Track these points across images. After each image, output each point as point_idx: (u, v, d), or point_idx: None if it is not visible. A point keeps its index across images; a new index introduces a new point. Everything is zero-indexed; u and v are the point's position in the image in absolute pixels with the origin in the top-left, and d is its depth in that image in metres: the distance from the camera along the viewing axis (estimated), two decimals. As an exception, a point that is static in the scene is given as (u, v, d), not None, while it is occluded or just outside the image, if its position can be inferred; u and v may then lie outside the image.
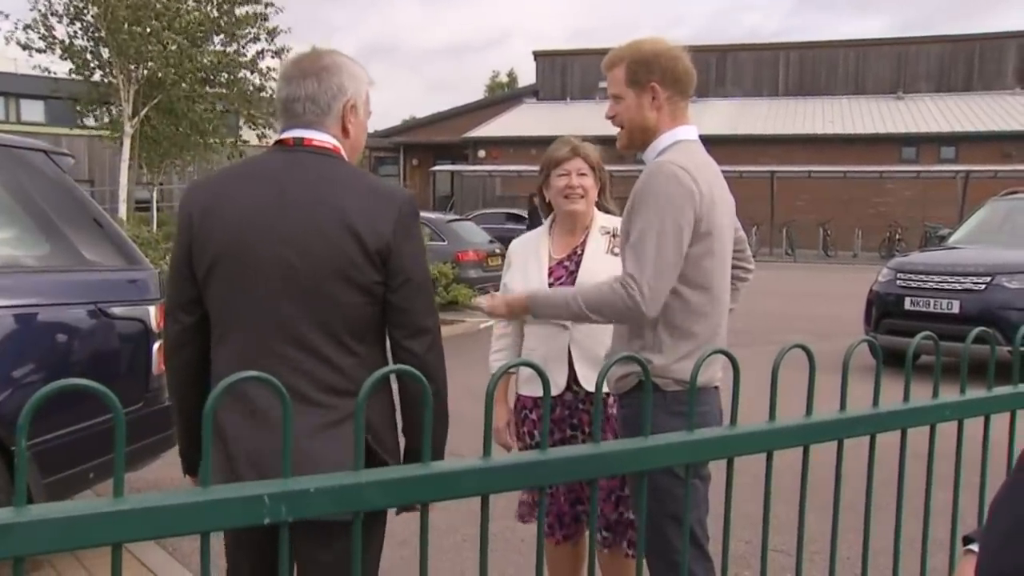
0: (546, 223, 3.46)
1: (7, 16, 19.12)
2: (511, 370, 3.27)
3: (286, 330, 2.13)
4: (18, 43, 19.22)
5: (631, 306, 2.44)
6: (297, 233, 2.11)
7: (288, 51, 19.90)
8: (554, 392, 3.20)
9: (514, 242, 3.53)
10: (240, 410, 2.14)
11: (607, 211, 3.40)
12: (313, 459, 2.03)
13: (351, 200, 2.14)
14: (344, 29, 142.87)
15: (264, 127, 20.39)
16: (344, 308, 2.13)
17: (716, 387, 2.70)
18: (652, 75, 2.64)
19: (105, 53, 19.18)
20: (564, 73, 43.31)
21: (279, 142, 2.27)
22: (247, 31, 19.65)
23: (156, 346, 4.34)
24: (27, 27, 19.14)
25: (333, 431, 2.12)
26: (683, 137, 2.67)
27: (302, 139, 2.23)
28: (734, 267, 2.85)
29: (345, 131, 2.28)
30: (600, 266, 3.18)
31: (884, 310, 10.12)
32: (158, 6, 18.16)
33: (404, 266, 2.15)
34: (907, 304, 9.88)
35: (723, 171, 2.75)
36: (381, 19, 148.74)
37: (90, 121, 21.65)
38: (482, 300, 2.86)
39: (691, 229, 2.51)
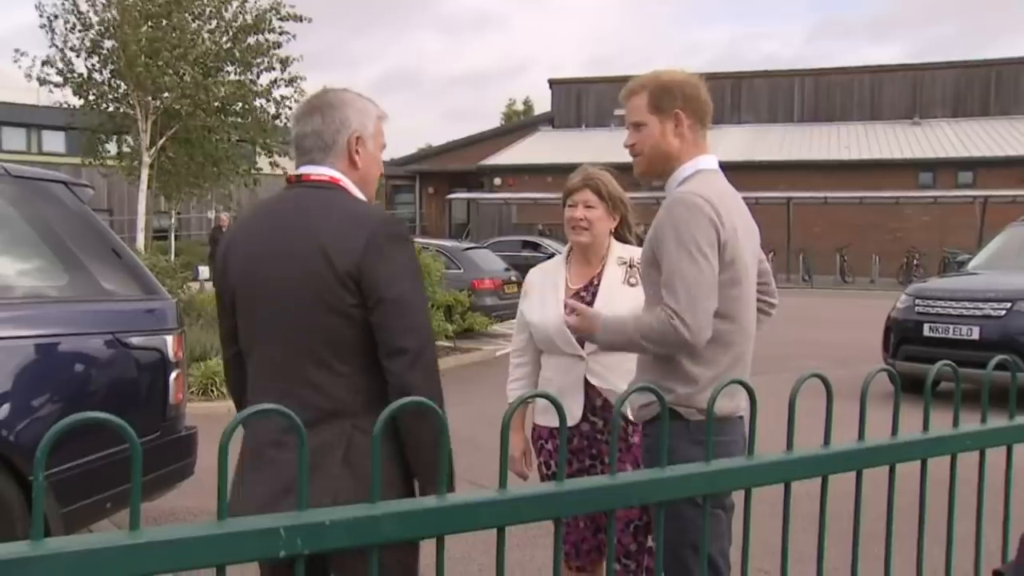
0: (563, 252, 3.47)
1: (25, 54, 19.30)
2: (528, 400, 3.27)
3: (279, 358, 2.26)
4: (37, 79, 19.42)
5: (678, 339, 2.46)
6: (280, 266, 2.24)
7: (302, 80, 20.03)
8: (570, 423, 3.20)
9: (532, 271, 3.54)
10: (247, 453, 2.30)
11: (626, 241, 3.40)
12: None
13: (326, 225, 2.21)
14: (366, 60, 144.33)
15: (279, 155, 20.48)
16: (325, 331, 2.20)
17: (741, 417, 2.70)
18: (676, 102, 2.66)
19: (122, 86, 19.37)
20: (579, 101, 43.50)
21: (290, 178, 2.38)
22: (260, 60, 19.77)
23: (173, 375, 4.36)
24: (44, 63, 19.34)
25: (321, 461, 2.14)
26: (704, 167, 2.69)
27: (301, 176, 2.34)
28: (758, 300, 2.83)
29: (354, 163, 2.35)
30: (617, 296, 3.18)
31: (903, 336, 10.05)
32: (173, 37, 18.33)
33: (377, 286, 2.18)
34: (926, 330, 9.80)
35: (741, 197, 2.76)
36: (403, 50, 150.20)
37: (110, 148, 21.84)
38: (571, 305, 2.78)
39: (716, 252, 2.52)
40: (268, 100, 20.23)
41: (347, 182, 2.33)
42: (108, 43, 18.94)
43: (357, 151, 2.34)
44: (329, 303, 2.18)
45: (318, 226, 2.21)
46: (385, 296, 2.17)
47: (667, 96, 2.66)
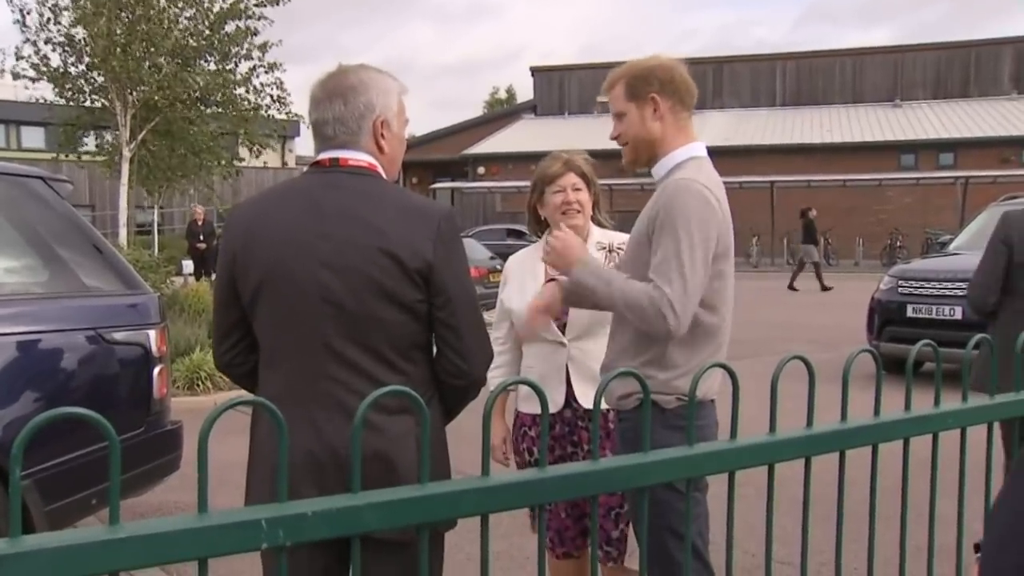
0: (542, 240, 3.45)
1: (3, 51, 19.04)
2: (509, 387, 3.28)
3: (333, 351, 2.14)
4: (11, 73, 19.18)
5: (662, 324, 2.45)
6: (335, 254, 2.12)
7: (281, 67, 19.83)
8: (552, 409, 3.21)
9: (511, 259, 3.53)
10: (299, 467, 2.11)
11: (601, 225, 3.40)
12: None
13: (388, 219, 2.14)
14: (356, 53, 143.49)
15: (261, 146, 20.30)
16: (387, 326, 2.14)
17: (712, 400, 2.71)
18: (650, 86, 2.66)
19: (99, 78, 19.15)
20: (561, 88, 43.53)
21: (316, 163, 2.28)
22: (237, 50, 19.51)
23: (157, 370, 4.34)
24: (19, 57, 19.09)
25: (386, 450, 2.12)
26: (697, 154, 2.69)
27: (338, 159, 2.24)
28: None
29: (380, 148, 2.27)
30: None
31: (886, 318, 10.12)
32: (147, 27, 18.07)
33: (446, 284, 2.17)
34: (909, 311, 9.88)
35: (725, 181, 2.77)
36: (395, 39, 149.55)
37: (88, 143, 21.60)
38: (557, 237, 2.74)
39: (714, 246, 2.54)
40: (248, 89, 20.01)
41: (380, 168, 2.27)
42: (81, 34, 18.68)
43: (383, 135, 2.27)
44: (395, 298, 2.13)
45: (376, 218, 2.14)
46: (455, 295, 2.18)
47: (641, 83, 2.67)
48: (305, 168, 2.41)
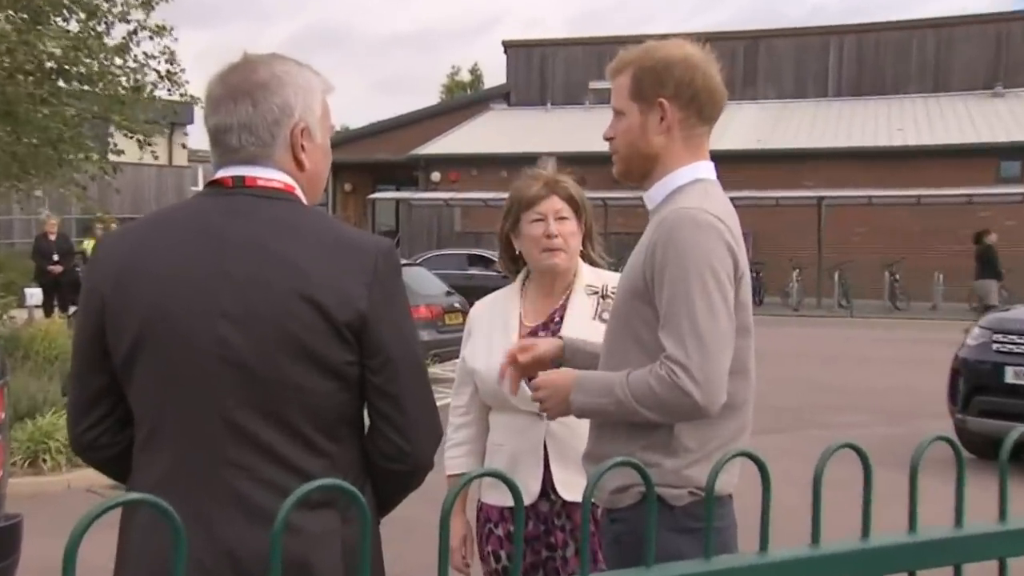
0: (517, 281, 3.51)
1: None
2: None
3: (236, 428, 2.15)
4: None
5: (687, 404, 2.47)
6: (239, 301, 2.15)
7: (171, 32, 19.73)
8: (527, 500, 3.23)
9: (477, 306, 3.59)
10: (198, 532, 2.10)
11: (593, 264, 3.45)
12: None
13: (309, 256, 2.18)
14: (280, 14, 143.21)
15: (146, 136, 20.10)
16: (307, 395, 2.17)
17: (729, 495, 2.76)
18: (662, 87, 2.69)
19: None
20: (543, 70, 43.63)
21: (214, 183, 2.31)
22: (109, 5, 19.18)
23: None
24: None
25: (304, 555, 2.13)
26: (704, 175, 2.73)
27: (243, 178, 2.27)
28: None
29: (299, 163, 2.31)
30: (585, 336, 3.20)
31: (976, 384, 10.12)
32: None
33: (385, 341, 2.20)
34: (1009, 376, 9.90)
35: (755, 197, 2.82)
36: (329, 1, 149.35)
37: None
38: (529, 388, 2.88)
39: (734, 290, 2.58)
40: (124, 61, 19.83)
41: (299, 190, 2.31)
42: None
43: (303, 146, 2.31)
44: (318, 359, 2.16)
45: (294, 254, 2.18)
46: (394, 356, 2.22)
47: (652, 79, 2.70)
48: (200, 182, 2.44)
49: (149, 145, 20.07)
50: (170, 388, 2.19)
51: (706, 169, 2.74)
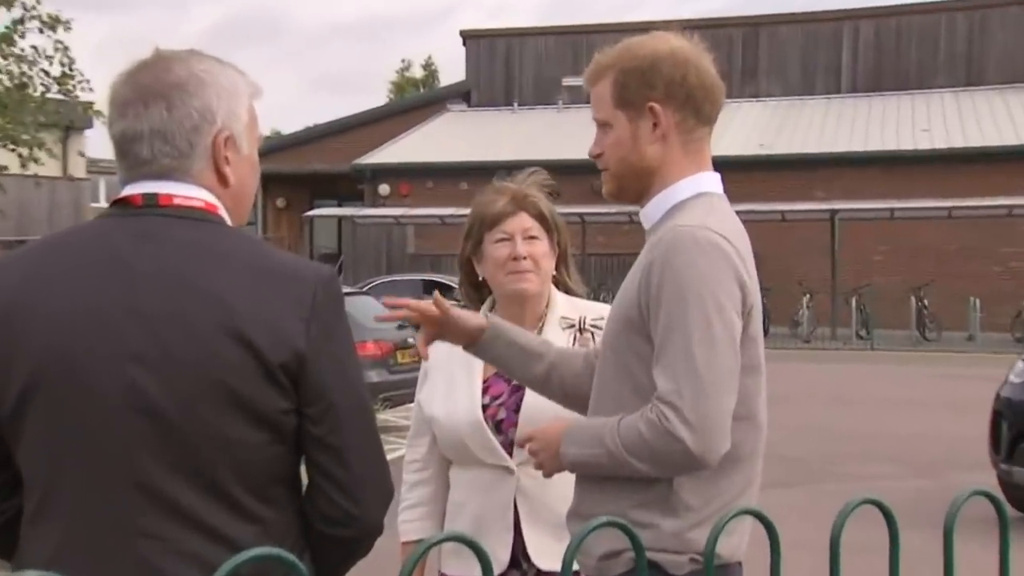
0: (481, 311, 3.44)
1: None
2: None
3: (150, 492, 2.13)
4: None
5: (680, 454, 2.46)
6: (153, 341, 2.13)
7: (66, 24, 19.66)
8: (496, 570, 3.18)
9: (435, 344, 3.54)
10: None
11: (569, 291, 3.45)
12: None
13: (236, 286, 2.17)
14: (198, 1, 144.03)
15: (29, 147, 19.94)
16: (235, 450, 2.15)
17: (739, 562, 2.73)
18: (651, 89, 2.69)
19: None
20: (508, 65, 44.01)
21: (120, 201, 2.28)
22: None
23: None
24: None
25: None
26: (708, 188, 2.73)
27: (156, 196, 2.25)
28: None
29: (223, 178, 2.30)
30: None
31: (1022, 429, 10.08)
32: None
33: (326, 385, 2.20)
34: (1060, 420, 9.95)
35: (758, 211, 2.80)
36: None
37: None
38: (525, 444, 2.88)
39: (740, 322, 2.57)
40: (5, 56, 19.71)
41: (222, 209, 2.29)
42: None
43: (227, 158, 2.30)
44: (248, 407, 2.14)
45: (218, 285, 2.16)
46: (337, 402, 2.22)
47: (638, 82, 2.70)
48: (103, 199, 2.38)
49: (35, 160, 19.84)
50: (69, 446, 2.15)
51: (710, 181, 2.75)
